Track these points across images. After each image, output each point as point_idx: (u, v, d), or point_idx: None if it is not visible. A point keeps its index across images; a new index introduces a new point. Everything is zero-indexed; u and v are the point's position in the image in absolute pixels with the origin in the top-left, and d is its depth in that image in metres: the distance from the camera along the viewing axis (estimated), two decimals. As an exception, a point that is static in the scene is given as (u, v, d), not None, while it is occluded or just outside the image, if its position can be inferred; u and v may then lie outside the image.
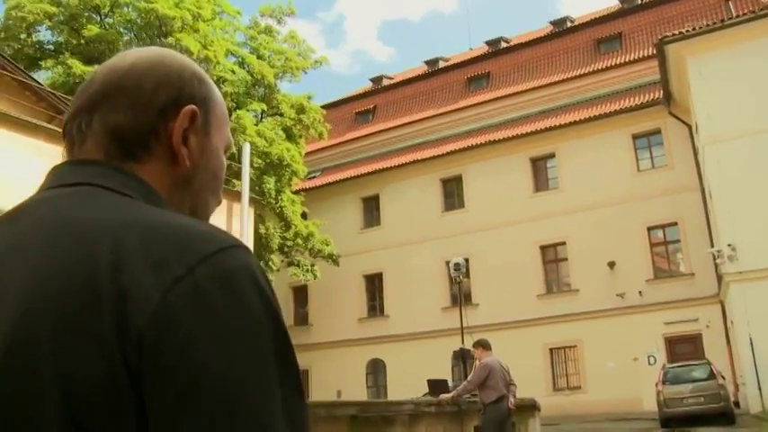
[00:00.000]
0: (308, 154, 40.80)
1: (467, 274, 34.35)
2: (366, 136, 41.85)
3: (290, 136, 34.95)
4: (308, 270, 35.03)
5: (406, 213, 37.01)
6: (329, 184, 39.81)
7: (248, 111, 32.53)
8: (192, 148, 1.04)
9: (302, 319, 39.67)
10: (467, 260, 34.21)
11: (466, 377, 12.59)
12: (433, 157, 37.10)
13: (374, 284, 37.90)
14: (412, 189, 37.48)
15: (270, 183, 31.50)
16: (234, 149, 28.94)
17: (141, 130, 1.00)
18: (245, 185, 25.92)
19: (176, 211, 0.97)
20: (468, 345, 16.31)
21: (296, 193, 37.00)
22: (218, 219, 22.54)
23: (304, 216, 36.58)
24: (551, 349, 32.43)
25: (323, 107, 42.20)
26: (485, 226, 34.50)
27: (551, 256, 33.68)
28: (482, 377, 10.63)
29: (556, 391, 31.78)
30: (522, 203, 34.23)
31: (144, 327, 0.79)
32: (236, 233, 25.22)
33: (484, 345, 11.06)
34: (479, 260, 34.58)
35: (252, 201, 28.40)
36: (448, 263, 35.21)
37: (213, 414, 0.76)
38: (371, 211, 38.88)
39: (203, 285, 0.81)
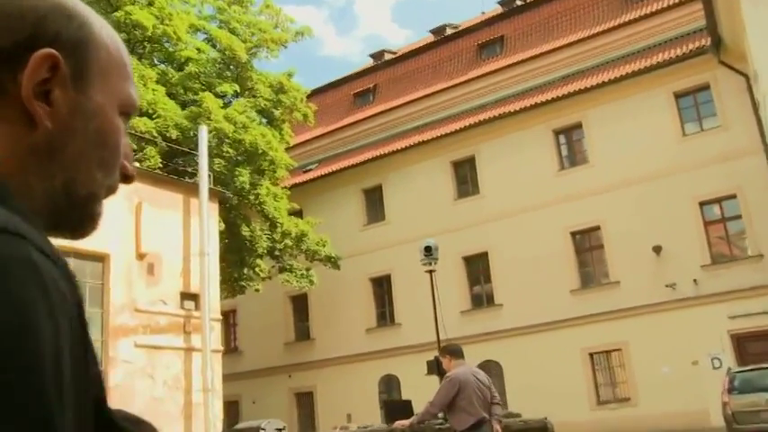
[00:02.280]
0: (300, 145, 37.50)
1: (486, 271, 31.72)
2: (366, 119, 37.75)
3: (270, 121, 31.26)
4: (302, 276, 31.42)
5: (414, 204, 33.30)
6: (325, 175, 35.88)
7: (217, 94, 28.77)
8: (57, 105, 0.86)
9: (303, 333, 35.90)
10: (485, 253, 31.22)
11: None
12: (442, 137, 33.12)
13: (382, 288, 34.17)
14: (419, 176, 33.74)
15: (243, 175, 27.63)
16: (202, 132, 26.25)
17: None
18: (202, 176, 22.55)
19: (40, 187, 0.85)
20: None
21: (287, 189, 33.52)
22: (172, 216, 18.58)
23: (298, 214, 33.09)
24: (591, 354, 28.29)
25: (317, 91, 38.79)
26: (504, 213, 30.93)
27: (585, 243, 29.80)
28: (449, 396, 8.48)
29: (600, 405, 27.66)
30: (547, 184, 30.20)
31: None
32: (194, 234, 21.62)
33: (452, 352, 8.81)
34: (500, 253, 30.72)
35: (220, 196, 24.75)
36: (465, 259, 32.36)
37: None
38: (375, 204, 35.14)
39: None
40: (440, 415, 10.11)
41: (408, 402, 15.25)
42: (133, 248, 19.71)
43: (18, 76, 0.84)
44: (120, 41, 0.96)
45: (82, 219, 0.92)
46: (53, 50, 0.85)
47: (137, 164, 19.41)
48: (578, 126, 30.51)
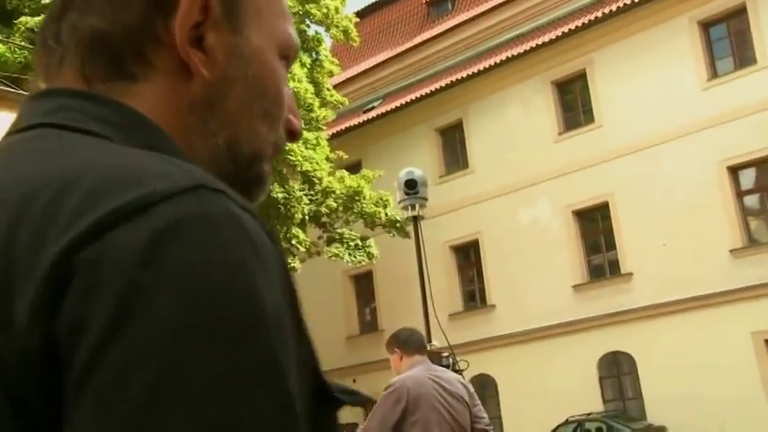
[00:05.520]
0: (360, 76, 30.83)
1: (608, 228, 24.68)
2: (444, 34, 30.39)
3: (302, 42, 24.62)
4: (357, 247, 24.85)
5: (505, 143, 26.31)
6: (387, 113, 28.83)
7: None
8: (213, 52, 0.80)
9: (369, 324, 29.49)
10: (605, 204, 24.28)
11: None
12: (540, 47, 25.73)
13: (468, 259, 27.48)
14: (510, 104, 26.52)
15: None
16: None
17: (128, 32, 0.78)
18: None
19: (202, 148, 0.80)
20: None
21: (336, 135, 26.96)
22: None
23: (356, 168, 26.48)
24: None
25: (381, 2, 32.57)
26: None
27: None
28: (390, 420, 5.44)
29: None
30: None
31: (23, 321, 0.60)
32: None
33: (402, 342, 5.85)
34: (628, 201, 23.86)
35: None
36: (577, 213, 24.93)
37: None
38: (454, 147, 28.29)
39: (117, 256, 0.59)
40: None
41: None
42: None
43: (169, 23, 0.78)
44: None
45: (249, 181, 0.85)
46: None
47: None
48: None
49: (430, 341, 9.95)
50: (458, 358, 7.98)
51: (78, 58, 0.79)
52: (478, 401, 6.51)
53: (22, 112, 0.79)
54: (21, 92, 16.95)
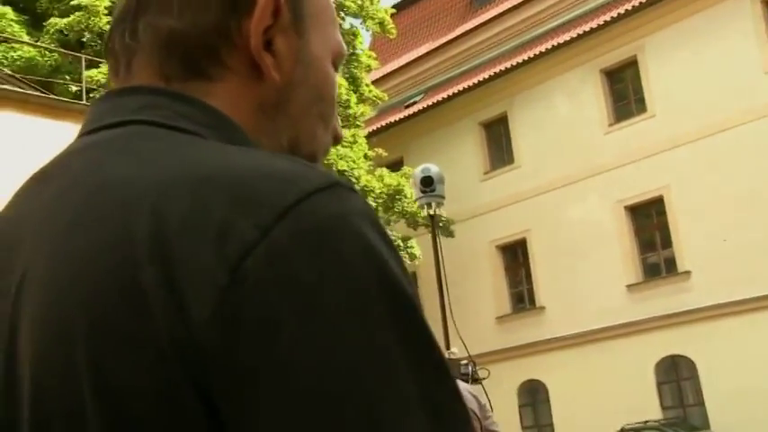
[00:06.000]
0: (400, 70, 30.12)
1: (664, 224, 23.51)
2: (487, 23, 29.39)
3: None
4: (398, 248, 23.93)
5: (552, 136, 25.41)
6: (429, 108, 28.07)
7: None
8: (282, 55, 0.84)
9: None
10: (659, 199, 23.43)
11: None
12: (590, 33, 24.79)
13: (516, 258, 26.60)
14: (558, 94, 25.57)
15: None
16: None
17: (205, 33, 0.82)
18: None
19: (269, 147, 0.83)
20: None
21: (376, 132, 26.25)
22: None
23: (397, 166, 25.96)
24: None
25: None
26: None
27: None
28: None
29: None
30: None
31: (205, 325, 0.63)
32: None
33: None
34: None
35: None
36: (630, 209, 23.74)
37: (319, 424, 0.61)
38: (499, 141, 27.36)
39: (285, 253, 0.63)
40: None
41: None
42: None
43: (243, 25, 0.81)
44: None
45: None
46: None
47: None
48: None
49: (448, 348, 9.31)
50: (478, 366, 7.54)
51: (156, 56, 0.81)
52: (490, 414, 6.56)
53: (103, 108, 0.81)
54: (49, 96, 16.74)
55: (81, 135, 0.81)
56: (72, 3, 21.13)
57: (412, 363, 0.63)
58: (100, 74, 20.27)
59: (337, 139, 0.93)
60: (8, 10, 20.94)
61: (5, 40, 20.46)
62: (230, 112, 0.80)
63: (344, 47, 0.93)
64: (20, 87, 16.61)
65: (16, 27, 20.99)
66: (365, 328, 0.62)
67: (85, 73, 20.27)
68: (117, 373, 0.64)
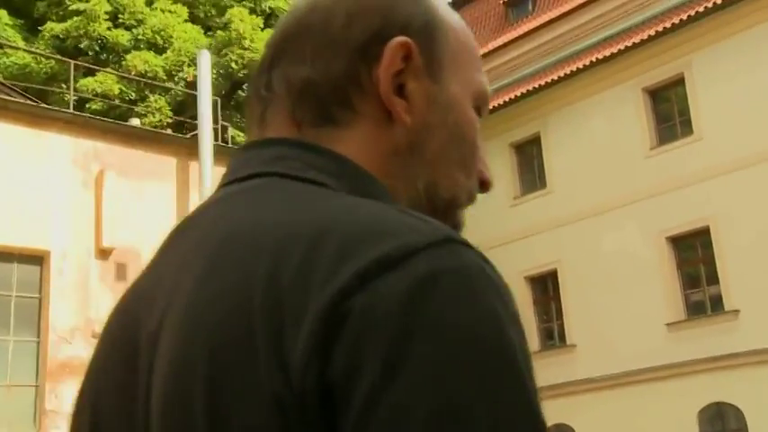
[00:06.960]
0: None
1: (709, 258, 22.03)
2: (523, 37, 28.87)
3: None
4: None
5: (588, 159, 24.60)
6: (456, 127, 27.10)
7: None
8: (414, 99, 0.86)
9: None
10: (706, 230, 22.09)
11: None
12: (630, 48, 23.70)
13: (546, 291, 25.77)
14: (596, 114, 24.59)
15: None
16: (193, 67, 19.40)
17: (336, 80, 0.86)
18: (203, 125, 16.54)
19: (404, 191, 0.86)
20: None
21: None
22: (156, 190, 16.05)
23: None
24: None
25: (452, 3, 30.97)
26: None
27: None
28: None
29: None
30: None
31: (299, 367, 0.67)
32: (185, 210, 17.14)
33: None
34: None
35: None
36: (673, 240, 22.33)
37: None
38: (530, 164, 26.68)
39: (385, 305, 0.66)
40: None
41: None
42: (91, 242, 15.67)
43: (372, 71, 0.84)
44: (466, 25, 0.96)
45: None
46: (406, 38, 0.85)
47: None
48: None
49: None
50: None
51: (289, 104, 0.86)
52: None
53: (241, 160, 0.87)
54: (41, 105, 16.86)
55: (221, 186, 0.86)
56: (71, 7, 20.47)
57: (519, 419, 0.65)
58: (95, 82, 19.57)
59: (485, 185, 0.92)
60: (2, 13, 20.28)
61: (-1, 46, 19.79)
62: (361, 158, 0.82)
63: (488, 89, 0.93)
64: (5, 94, 16.16)
65: (10, 31, 20.31)
66: (454, 386, 0.63)
67: (81, 81, 19.57)
68: (227, 410, 0.68)
